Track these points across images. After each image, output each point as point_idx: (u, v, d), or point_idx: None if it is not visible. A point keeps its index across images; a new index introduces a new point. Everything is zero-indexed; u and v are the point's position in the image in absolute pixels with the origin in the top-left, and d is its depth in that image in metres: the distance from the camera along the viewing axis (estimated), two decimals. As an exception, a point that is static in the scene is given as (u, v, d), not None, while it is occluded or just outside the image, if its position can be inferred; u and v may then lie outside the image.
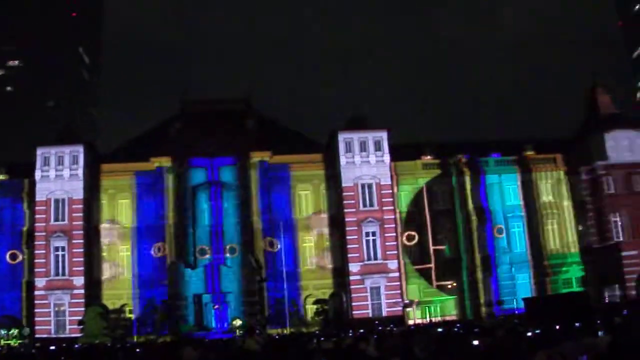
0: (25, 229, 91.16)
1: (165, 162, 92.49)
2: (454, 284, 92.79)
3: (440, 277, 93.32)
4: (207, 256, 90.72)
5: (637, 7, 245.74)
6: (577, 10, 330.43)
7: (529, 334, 24.83)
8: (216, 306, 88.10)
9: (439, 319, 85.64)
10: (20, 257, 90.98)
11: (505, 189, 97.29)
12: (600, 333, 20.02)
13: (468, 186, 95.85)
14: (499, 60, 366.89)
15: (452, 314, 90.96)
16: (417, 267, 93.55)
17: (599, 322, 24.38)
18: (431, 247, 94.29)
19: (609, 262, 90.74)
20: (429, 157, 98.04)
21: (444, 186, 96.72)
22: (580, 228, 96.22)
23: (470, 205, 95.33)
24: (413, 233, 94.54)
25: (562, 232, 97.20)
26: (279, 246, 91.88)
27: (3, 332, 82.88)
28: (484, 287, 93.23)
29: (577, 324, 24.33)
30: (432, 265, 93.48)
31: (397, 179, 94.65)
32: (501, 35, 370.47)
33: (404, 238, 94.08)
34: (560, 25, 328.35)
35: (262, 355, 24.29)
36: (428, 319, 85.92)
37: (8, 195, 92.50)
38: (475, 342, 24.96)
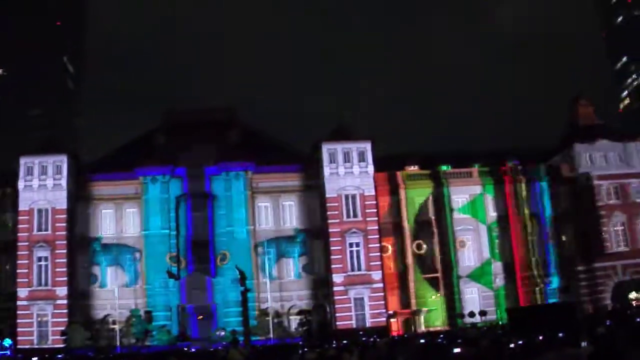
0: (7, 238, 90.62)
1: (148, 172, 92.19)
2: (438, 295, 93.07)
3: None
4: (191, 267, 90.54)
5: (620, 18, 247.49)
6: (560, 22, 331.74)
7: (512, 345, 24.92)
8: (200, 317, 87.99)
9: (422, 329, 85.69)
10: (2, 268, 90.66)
11: (482, 201, 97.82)
12: (583, 344, 20.10)
13: (446, 197, 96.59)
14: (482, 73, 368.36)
15: (435, 325, 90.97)
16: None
17: (582, 332, 24.47)
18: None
19: (597, 271, 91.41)
20: (413, 167, 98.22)
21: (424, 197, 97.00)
22: (563, 238, 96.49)
23: (448, 219, 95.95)
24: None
25: (543, 243, 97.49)
26: (263, 257, 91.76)
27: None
28: (465, 299, 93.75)
29: (560, 335, 24.40)
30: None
31: (387, 189, 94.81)
32: (484, 48, 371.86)
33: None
34: (544, 37, 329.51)
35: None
36: (412, 330, 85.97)
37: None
38: (457, 350, 25.06)
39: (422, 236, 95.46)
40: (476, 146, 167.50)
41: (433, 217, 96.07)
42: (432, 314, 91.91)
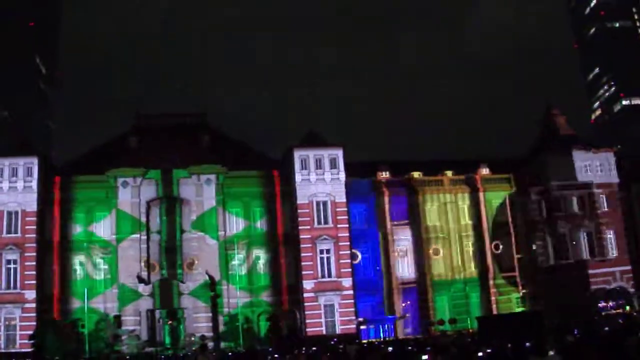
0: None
1: (120, 175, 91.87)
2: (408, 302, 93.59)
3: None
4: (161, 271, 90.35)
5: (592, 30, 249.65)
6: (534, 33, 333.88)
7: (480, 353, 25.10)
8: (169, 322, 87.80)
9: (391, 337, 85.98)
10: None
11: (457, 208, 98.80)
12: (550, 353, 20.29)
13: (421, 205, 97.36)
14: (456, 82, 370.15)
15: (404, 332, 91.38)
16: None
17: (550, 341, 24.68)
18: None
19: (560, 281, 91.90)
20: (384, 174, 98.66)
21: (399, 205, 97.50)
22: (534, 247, 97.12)
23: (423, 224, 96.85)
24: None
25: (512, 252, 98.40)
26: (233, 262, 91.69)
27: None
28: (435, 306, 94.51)
29: (527, 344, 24.59)
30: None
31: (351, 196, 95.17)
32: (458, 59, 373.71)
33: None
34: (517, 47, 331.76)
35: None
36: (381, 337, 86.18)
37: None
38: (425, 357, 25.23)
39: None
40: (447, 155, 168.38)
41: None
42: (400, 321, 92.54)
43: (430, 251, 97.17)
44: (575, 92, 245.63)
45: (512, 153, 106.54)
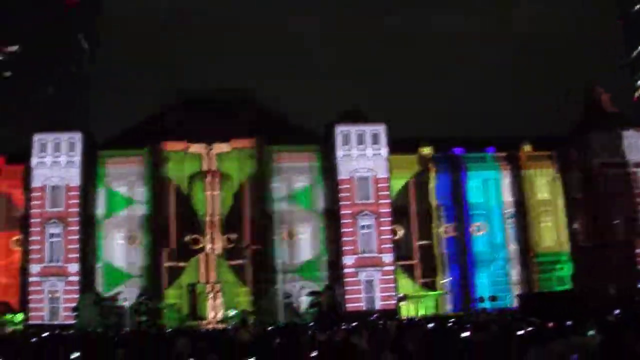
0: (21, 215, 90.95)
1: (162, 150, 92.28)
2: (450, 279, 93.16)
3: (429, 272, 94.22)
4: (203, 246, 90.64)
5: (637, 6, 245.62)
6: (578, 9, 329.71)
7: (521, 331, 24.82)
8: (210, 296, 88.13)
9: (432, 314, 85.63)
10: (16, 243, 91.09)
11: (497, 186, 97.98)
12: (591, 332, 19.98)
13: (459, 182, 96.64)
14: (500, 56, 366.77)
15: (445, 310, 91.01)
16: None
17: (590, 320, 24.33)
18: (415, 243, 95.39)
19: (601, 260, 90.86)
20: (424, 151, 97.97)
21: (435, 181, 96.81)
22: (575, 226, 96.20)
23: (460, 201, 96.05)
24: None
25: (556, 230, 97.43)
26: (274, 237, 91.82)
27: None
28: (475, 283, 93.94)
29: (568, 323, 24.28)
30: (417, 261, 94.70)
31: (391, 172, 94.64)
32: (502, 33, 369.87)
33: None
34: (562, 23, 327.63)
35: (254, 346, 24.29)
36: (421, 314, 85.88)
37: (4, 181, 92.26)
38: (465, 334, 24.99)
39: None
40: (490, 131, 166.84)
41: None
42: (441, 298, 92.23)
43: (472, 228, 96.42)
44: (619, 70, 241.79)
45: (555, 130, 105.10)
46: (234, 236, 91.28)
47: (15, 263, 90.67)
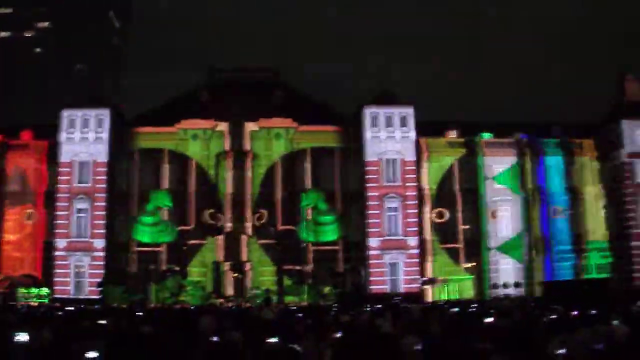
0: (47, 189, 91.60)
1: (190, 128, 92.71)
2: (475, 264, 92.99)
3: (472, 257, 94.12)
4: (229, 224, 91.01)
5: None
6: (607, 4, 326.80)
7: (545, 319, 24.77)
8: (235, 274, 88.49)
9: (456, 298, 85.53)
10: (40, 217, 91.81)
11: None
12: (615, 322, 19.89)
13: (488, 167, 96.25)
14: (531, 42, 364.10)
15: (469, 294, 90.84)
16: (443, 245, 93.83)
17: (616, 310, 24.24)
18: (460, 227, 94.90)
19: (632, 250, 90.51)
20: (453, 134, 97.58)
21: (469, 165, 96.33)
22: (602, 215, 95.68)
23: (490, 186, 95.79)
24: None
25: (592, 219, 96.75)
26: (300, 217, 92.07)
27: (23, 291, 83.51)
28: (502, 269, 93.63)
29: (592, 311, 24.23)
30: (462, 245, 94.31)
31: (427, 155, 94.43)
32: (534, 18, 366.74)
33: (434, 215, 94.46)
34: (595, 9, 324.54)
35: (278, 325, 24.35)
36: (445, 298, 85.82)
37: (32, 156, 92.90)
38: (489, 320, 24.95)
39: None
40: (519, 117, 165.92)
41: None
42: (465, 284, 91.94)
43: (492, 213, 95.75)
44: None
45: (585, 118, 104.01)
46: (263, 215, 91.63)
47: (27, 237, 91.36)
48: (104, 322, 25.72)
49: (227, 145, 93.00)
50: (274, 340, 17.50)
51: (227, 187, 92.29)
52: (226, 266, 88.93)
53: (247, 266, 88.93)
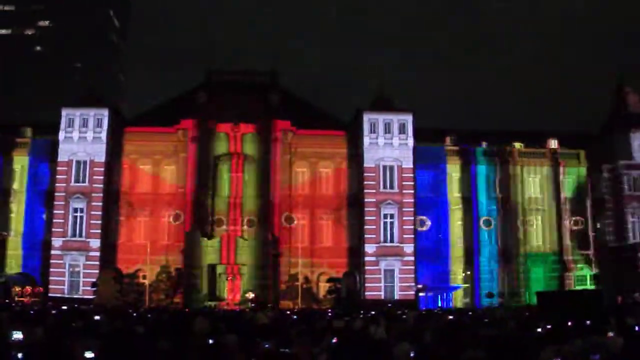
0: (46, 188, 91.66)
1: (188, 129, 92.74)
2: (468, 273, 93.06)
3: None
4: (224, 227, 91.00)
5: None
6: (608, 5, 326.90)
7: (539, 329, 24.81)
8: (229, 277, 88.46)
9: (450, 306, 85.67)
10: (39, 216, 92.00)
11: (526, 181, 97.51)
12: (610, 333, 19.94)
13: (491, 175, 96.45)
14: (530, 50, 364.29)
15: (462, 303, 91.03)
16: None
17: (611, 322, 24.28)
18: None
19: (624, 262, 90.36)
20: (451, 142, 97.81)
21: (465, 174, 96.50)
22: (598, 226, 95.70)
23: (496, 195, 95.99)
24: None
25: (579, 229, 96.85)
26: (295, 222, 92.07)
27: (18, 288, 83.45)
28: (495, 278, 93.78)
29: (587, 322, 24.25)
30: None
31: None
32: (532, 26, 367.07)
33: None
34: (591, 18, 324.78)
35: (271, 329, 24.38)
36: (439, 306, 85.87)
37: (31, 155, 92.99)
38: (484, 329, 24.98)
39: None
40: (516, 126, 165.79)
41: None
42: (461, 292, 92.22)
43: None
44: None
45: (584, 128, 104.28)
46: (259, 218, 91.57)
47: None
48: (98, 320, 25.78)
49: (224, 148, 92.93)
50: (266, 344, 17.56)
51: (224, 189, 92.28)
52: (221, 269, 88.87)
53: (242, 269, 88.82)
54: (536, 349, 16.73)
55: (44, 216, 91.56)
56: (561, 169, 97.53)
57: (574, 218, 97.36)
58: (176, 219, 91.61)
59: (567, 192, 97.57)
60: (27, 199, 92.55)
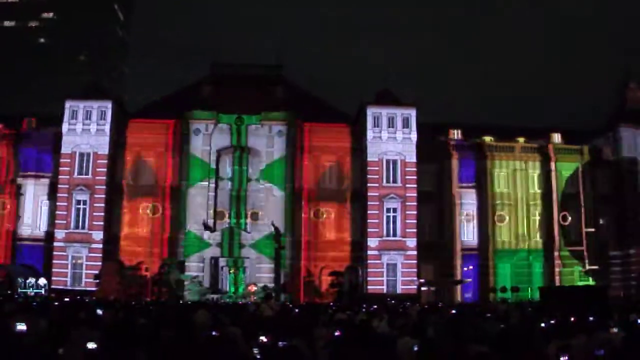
0: (49, 180, 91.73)
1: (191, 122, 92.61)
2: (469, 267, 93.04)
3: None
4: (227, 220, 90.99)
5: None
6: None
7: (543, 324, 24.71)
8: (232, 270, 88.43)
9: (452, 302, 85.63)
10: (44, 208, 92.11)
11: (526, 176, 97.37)
12: (614, 329, 19.85)
13: (489, 170, 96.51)
14: (532, 46, 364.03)
15: (465, 297, 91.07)
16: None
17: (614, 317, 24.22)
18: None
19: (628, 257, 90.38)
20: (454, 136, 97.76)
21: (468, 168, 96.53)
22: (601, 222, 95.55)
23: (494, 190, 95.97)
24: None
25: (580, 225, 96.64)
26: (299, 215, 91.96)
27: (20, 280, 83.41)
28: (496, 273, 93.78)
29: (591, 318, 24.14)
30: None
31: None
32: (535, 22, 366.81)
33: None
34: (596, 15, 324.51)
35: (275, 322, 24.32)
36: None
37: (35, 146, 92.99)
38: (486, 324, 24.89)
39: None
40: (519, 121, 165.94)
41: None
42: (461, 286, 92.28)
43: (496, 218, 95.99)
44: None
45: (587, 123, 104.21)
46: (264, 212, 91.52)
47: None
48: (100, 313, 25.71)
49: (228, 141, 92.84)
50: (265, 337, 17.50)
51: (228, 182, 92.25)
52: (224, 262, 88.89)
53: (244, 263, 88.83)
54: (541, 343, 16.66)
55: (47, 208, 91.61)
56: (557, 165, 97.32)
57: (563, 214, 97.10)
58: (178, 212, 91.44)
59: (567, 188, 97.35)
60: (31, 191, 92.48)
